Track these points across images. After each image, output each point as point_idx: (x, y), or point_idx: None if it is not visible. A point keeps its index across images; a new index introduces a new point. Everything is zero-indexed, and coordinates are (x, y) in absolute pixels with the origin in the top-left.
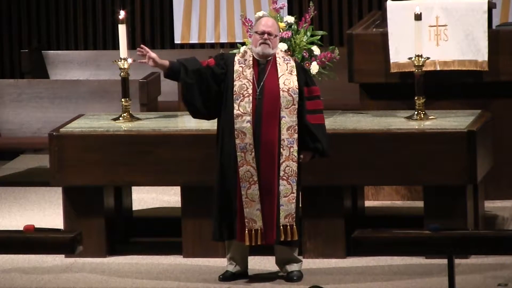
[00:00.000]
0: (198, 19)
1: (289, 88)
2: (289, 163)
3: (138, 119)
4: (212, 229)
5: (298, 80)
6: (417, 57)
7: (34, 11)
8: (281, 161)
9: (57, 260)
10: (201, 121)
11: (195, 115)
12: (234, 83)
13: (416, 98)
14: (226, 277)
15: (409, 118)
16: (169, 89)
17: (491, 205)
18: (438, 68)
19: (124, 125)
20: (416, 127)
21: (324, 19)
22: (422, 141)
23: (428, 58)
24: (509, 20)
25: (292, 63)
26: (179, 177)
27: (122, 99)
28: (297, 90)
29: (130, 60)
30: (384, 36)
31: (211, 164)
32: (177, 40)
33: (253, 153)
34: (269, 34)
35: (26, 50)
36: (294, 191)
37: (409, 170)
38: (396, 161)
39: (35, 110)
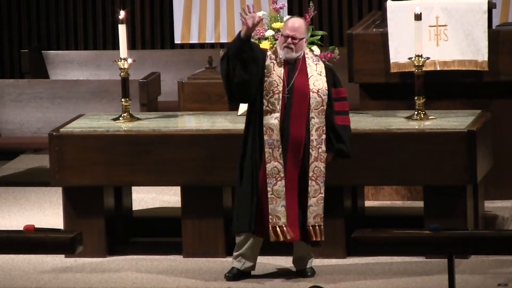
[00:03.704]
0: (198, 19)
1: (318, 89)
2: (317, 164)
3: (138, 119)
4: (239, 222)
5: (327, 82)
6: (417, 57)
7: (34, 11)
8: (310, 161)
9: (57, 260)
10: (201, 121)
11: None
12: (265, 79)
13: (416, 98)
14: (233, 274)
15: (409, 118)
16: (169, 89)
17: (491, 205)
18: (438, 68)
19: (124, 125)
20: (416, 127)
21: (324, 19)
22: (422, 141)
23: (428, 58)
24: (509, 20)
25: (321, 64)
26: (179, 177)
27: (122, 99)
28: (326, 91)
29: (130, 60)
30: (384, 36)
31: (211, 164)
32: (177, 40)
33: (280, 149)
34: (293, 38)
35: (26, 50)
36: (322, 191)
37: (409, 170)
38: (396, 161)
39: (35, 110)
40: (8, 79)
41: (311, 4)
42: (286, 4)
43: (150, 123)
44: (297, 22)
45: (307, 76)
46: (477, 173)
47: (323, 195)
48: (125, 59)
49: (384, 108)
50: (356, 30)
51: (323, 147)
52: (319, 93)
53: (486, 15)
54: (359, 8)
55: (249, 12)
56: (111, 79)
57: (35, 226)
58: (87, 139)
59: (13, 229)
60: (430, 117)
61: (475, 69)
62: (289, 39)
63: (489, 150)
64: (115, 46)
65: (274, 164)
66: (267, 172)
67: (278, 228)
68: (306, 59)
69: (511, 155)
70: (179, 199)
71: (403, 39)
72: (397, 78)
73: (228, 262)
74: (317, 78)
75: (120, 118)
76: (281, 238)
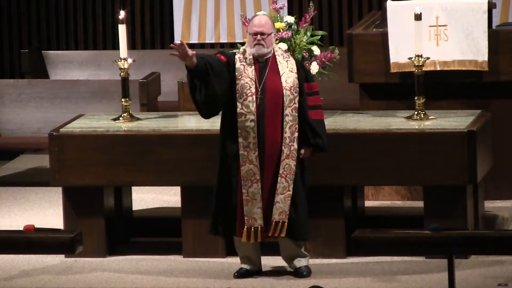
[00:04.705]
0: (198, 19)
1: (291, 86)
2: (288, 161)
3: (138, 119)
4: (210, 224)
5: (298, 78)
6: (417, 57)
7: (34, 11)
8: (281, 158)
9: (57, 260)
10: (201, 121)
11: (209, 109)
12: (237, 81)
13: (416, 98)
14: (241, 273)
15: (409, 118)
16: (169, 89)
17: (491, 205)
18: (438, 68)
19: (124, 125)
20: (416, 127)
21: (324, 19)
22: (422, 141)
23: (428, 58)
24: (509, 20)
25: (292, 60)
26: (179, 177)
27: (122, 99)
28: (298, 89)
29: (130, 60)
30: (384, 36)
31: (211, 164)
32: (177, 40)
33: (257, 152)
34: (262, 34)
35: (26, 50)
36: (291, 189)
37: (409, 170)
38: (396, 161)
39: (35, 110)
40: (8, 79)
41: (311, 4)
42: (286, 4)
43: (150, 123)
44: (263, 19)
45: (279, 74)
46: (477, 173)
47: (291, 192)
48: (125, 59)
49: (384, 108)
50: (356, 30)
51: (295, 145)
52: (292, 90)
53: (486, 15)
54: (359, 8)
55: (177, 45)
56: (111, 79)
57: (35, 226)
58: (87, 139)
59: (13, 229)
60: (430, 117)
61: (475, 69)
62: (258, 36)
63: (489, 150)
64: (115, 46)
65: (249, 166)
66: (241, 174)
67: (253, 229)
68: (277, 56)
69: (511, 155)
70: (179, 199)
71: (403, 39)
72: (397, 78)
73: (228, 263)
74: (289, 75)
75: (120, 118)
76: (252, 240)
